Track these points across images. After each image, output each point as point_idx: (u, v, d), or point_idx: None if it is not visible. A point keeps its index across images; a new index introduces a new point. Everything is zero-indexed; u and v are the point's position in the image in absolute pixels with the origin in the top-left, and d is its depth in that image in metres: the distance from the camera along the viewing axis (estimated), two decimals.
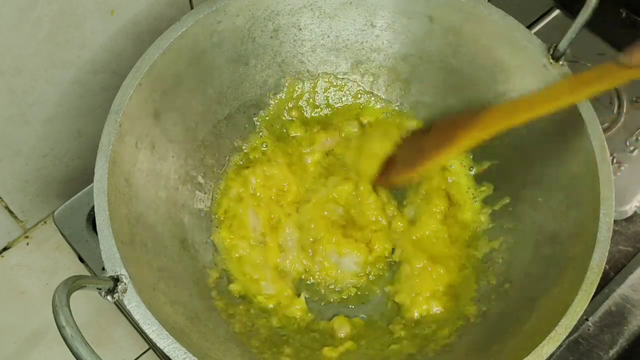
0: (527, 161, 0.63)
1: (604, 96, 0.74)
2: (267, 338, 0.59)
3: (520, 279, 0.59)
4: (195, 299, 0.57)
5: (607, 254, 0.51)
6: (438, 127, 0.65)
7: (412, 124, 0.70)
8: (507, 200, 0.64)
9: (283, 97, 0.69)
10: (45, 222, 0.76)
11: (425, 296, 0.61)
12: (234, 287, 0.61)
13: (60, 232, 0.65)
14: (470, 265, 0.63)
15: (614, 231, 0.64)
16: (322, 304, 0.63)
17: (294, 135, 0.70)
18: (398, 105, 0.71)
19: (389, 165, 0.66)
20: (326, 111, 0.71)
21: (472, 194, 0.67)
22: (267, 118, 0.69)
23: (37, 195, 0.73)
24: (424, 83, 0.69)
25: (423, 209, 0.66)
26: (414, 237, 0.65)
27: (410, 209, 0.67)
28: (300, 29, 0.67)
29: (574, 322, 0.48)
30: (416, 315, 0.61)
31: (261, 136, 0.69)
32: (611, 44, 0.79)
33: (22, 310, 0.71)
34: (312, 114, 0.71)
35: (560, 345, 0.51)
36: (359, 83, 0.71)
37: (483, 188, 0.66)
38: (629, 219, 0.69)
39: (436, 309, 0.61)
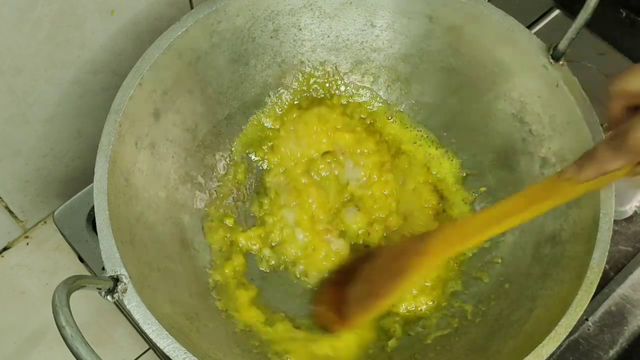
0: None
1: (604, 96, 0.74)
2: (266, 338, 0.59)
3: (520, 279, 0.59)
4: (195, 299, 0.57)
5: (607, 254, 0.51)
6: (384, 255, 0.61)
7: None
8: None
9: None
10: (45, 222, 0.76)
11: (412, 293, 0.61)
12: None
13: (60, 232, 0.65)
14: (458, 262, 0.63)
15: (614, 231, 0.64)
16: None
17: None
18: (398, 105, 0.71)
19: (335, 301, 0.61)
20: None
21: (466, 193, 0.67)
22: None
23: (37, 195, 0.73)
24: (424, 83, 0.69)
25: (414, 204, 0.66)
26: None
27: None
28: (300, 29, 0.67)
29: (574, 322, 0.48)
30: (403, 310, 0.61)
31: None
32: (611, 44, 0.79)
33: (22, 310, 0.71)
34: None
35: (560, 345, 0.51)
36: (359, 83, 0.71)
37: (482, 189, 0.66)
38: (629, 219, 0.69)
39: (424, 306, 0.61)
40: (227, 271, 0.61)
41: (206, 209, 0.64)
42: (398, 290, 0.57)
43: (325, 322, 0.61)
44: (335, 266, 0.64)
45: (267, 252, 0.64)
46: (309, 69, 0.69)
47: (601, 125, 0.56)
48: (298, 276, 0.64)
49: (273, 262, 0.64)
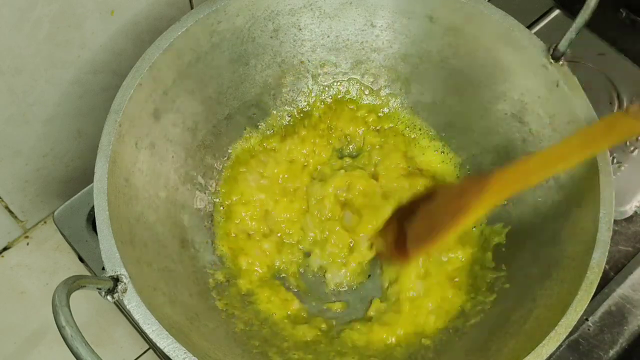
0: None
1: (604, 96, 0.74)
2: (266, 338, 0.59)
3: (520, 279, 0.59)
4: (195, 299, 0.57)
5: (607, 254, 0.51)
6: (444, 194, 0.62)
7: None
8: (505, 200, 0.64)
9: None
10: (45, 222, 0.76)
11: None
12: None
13: (60, 232, 0.65)
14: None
15: (614, 231, 0.64)
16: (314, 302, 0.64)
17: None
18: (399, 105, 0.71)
19: (397, 237, 0.62)
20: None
21: None
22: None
23: (37, 195, 0.73)
24: (424, 83, 0.69)
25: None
26: None
27: None
28: (300, 29, 0.67)
29: (574, 322, 0.48)
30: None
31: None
32: (611, 44, 0.79)
33: (22, 310, 0.71)
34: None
35: (560, 345, 0.51)
36: (359, 83, 0.71)
37: None
38: (629, 219, 0.69)
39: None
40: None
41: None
42: (457, 226, 0.58)
43: (388, 257, 0.63)
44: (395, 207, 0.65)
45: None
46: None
47: None
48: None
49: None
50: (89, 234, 0.64)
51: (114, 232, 0.49)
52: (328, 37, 0.68)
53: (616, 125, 0.52)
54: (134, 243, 0.53)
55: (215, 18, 0.61)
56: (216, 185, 0.66)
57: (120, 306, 0.68)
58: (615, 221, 0.59)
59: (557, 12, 0.82)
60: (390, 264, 0.64)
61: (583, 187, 0.56)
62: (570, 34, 0.56)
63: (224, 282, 0.62)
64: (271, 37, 0.66)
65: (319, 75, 0.70)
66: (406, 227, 0.62)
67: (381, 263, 0.65)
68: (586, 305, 0.49)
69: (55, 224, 0.65)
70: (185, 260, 0.59)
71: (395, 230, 0.63)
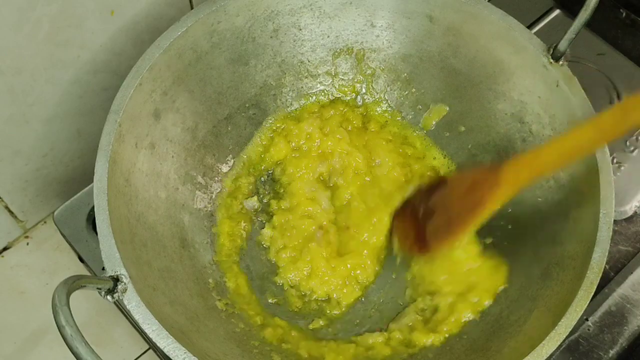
0: None
1: (604, 96, 0.74)
2: (265, 338, 0.59)
3: (520, 279, 0.59)
4: (195, 299, 0.57)
5: (607, 254, 0.51)
6: (457, 186, 0.61)
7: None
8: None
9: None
10: (45, 222, 0.76)
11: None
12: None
13: (60, 232, 0.65)
14: None
15: (614, 231, 0.64)
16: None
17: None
18: (398, 107, 0.71)
19: (416, 230, 0.62)
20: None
21: None
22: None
23: (37, 195, 0.73)
24: (424, 83, 0.69)
25: None
26: None
27: None
28: (300, 29, 0.67)
29: (574, 322, 0.48)
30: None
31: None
32: (611, 44, 0.79)
33: (22, 310, 0.71)
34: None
35: (560, 345, 0.51)
36: (359, 83, 0.71)
37: None
38: (629, 219, 0.69)
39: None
40: None
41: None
42: (476, 221, 0.57)
43: (407, 250, 0.62)
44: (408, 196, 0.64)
45: None
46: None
47: None
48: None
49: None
50: (89, 234, 0.64)
51: (114, 232, 0.49)
52: (328, 37, 0.68)
53: (631, 109, 0.50)
54: (134, 243, 0.53)
55: (215, 18, 0.61)
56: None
57: (120, 306, 0.68)
58: (615, 221, 0.59)
59: (557, 12, 0.82)
60: (412, 259, 0.63)
61: (583, 187, 0.56)
62: (570, 34, 0.56)
63: (224, 282, 0.62)
64: (271, 37, 0.66)
65: (319, 75, 0.70)
66: (423, 223, 0.61)
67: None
68: (586, 305, 0.49)
69: (55, 224, 0.65)
70: (185, 260, 0.59)
71: (412, 225, 0.62)
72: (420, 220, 0.62)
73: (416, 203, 0.63)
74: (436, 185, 0.64)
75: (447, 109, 0.69)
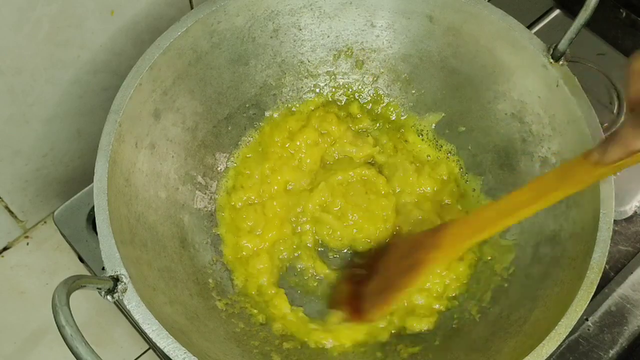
0: None
1: (604, 96, 0.74)
2: (266, 338, 0.59)
3: (520, 279, 0.59)
4: (195, 299, 0.57)
5: (607, 254, 0.51)
6: (399, 248, 0.61)
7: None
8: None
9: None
10: (45, 222, 0.76)
11: None
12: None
13: (60, 232, 0.65)
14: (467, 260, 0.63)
15: (614, 231, 0.64)
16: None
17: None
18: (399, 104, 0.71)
19: (355, 297, 0.60)
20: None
21: (473, 189, 0.67)
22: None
23: (37, 195, 0.73)
24: (424, 83, 0.69)
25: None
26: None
27: None
28: (300, 29, 0.67)
29: (574, 322, 0.48)
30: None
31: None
32: (611, 44, 0.79)
33: (22, 310, 0.71)
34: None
35: (560, 345, 0.51)
36: (359, 83, 0.71)
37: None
38: (629, 219, 0.69)
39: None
40: None
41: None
42: (413, 283, 0.57)
43: (345, 315, 0.60)
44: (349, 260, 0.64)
45: None
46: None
47: (601, 125, 0.56)
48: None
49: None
50: (89, 234, 0.64)
51: (114, 232, 0.49)
52: (328, 37, 0.68)
53: (572, 173, 0.49)
54: (134, 243, 0.53)
55: (215, 18, 0.61)
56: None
57: (120, 306, 0.68)
58: (615, 221, 0.59)
59: (557, 12, 0.82)
60: (349, 321, 0.60)
61: None
62: (570, 34, 0.56)
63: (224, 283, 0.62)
64: (271, 37, 0.66)
65: (319, 75, 0.70)
66: (360, 286, 0.60)
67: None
68: (586, 305, 0.49)
69: (55, 224, 0.65)
70: (185, 260, 0.59)
71: (349, 289, 0.61)
72: (357, 285, 0.60)
73: (359, 268, 0.63)
74: (380, 251, 0.63)
75: (443, 114, 0.69)
